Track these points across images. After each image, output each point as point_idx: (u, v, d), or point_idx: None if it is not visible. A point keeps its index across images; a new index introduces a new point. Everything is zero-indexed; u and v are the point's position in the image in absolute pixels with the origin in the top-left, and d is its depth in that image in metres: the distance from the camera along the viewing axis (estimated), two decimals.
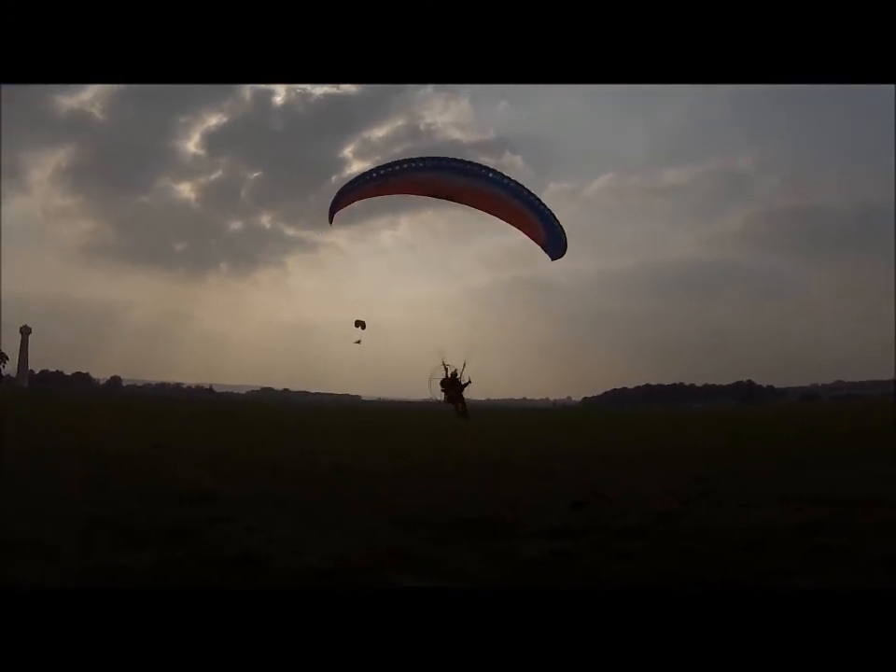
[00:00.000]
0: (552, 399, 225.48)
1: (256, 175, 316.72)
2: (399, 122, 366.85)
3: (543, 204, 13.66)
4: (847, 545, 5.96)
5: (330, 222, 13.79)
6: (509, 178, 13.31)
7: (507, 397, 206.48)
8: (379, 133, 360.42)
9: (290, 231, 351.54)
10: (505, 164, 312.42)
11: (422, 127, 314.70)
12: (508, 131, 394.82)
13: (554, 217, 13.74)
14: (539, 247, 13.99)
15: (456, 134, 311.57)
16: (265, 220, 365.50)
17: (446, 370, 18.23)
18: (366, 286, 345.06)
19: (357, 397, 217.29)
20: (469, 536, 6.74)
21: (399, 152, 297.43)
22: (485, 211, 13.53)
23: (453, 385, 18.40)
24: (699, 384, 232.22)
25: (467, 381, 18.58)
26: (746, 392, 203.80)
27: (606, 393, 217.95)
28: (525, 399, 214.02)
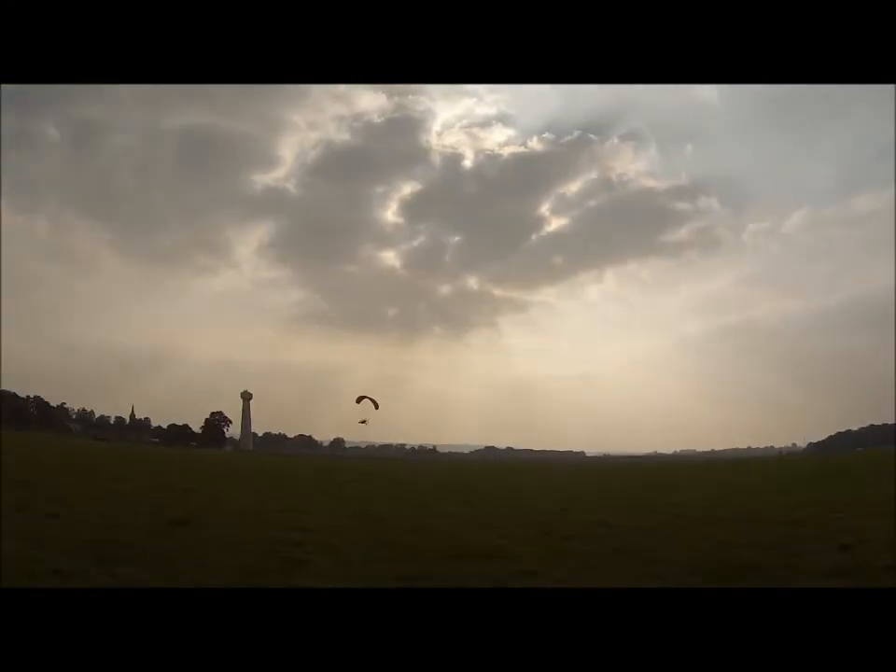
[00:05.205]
0: (777, 446, 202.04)
1: (457, 238, 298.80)
2: (592, 175, 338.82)
3: None
4: None
5: None
6: None
7: (731, 447, 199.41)
8: (573, 188, 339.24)
9: (498, 292, 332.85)
10: (701, 208, 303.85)
11: (614, 178, 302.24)
12: (699, 174, 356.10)
13: None
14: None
15: (650, 183, 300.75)
16: (472, 282, 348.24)
17: None
18: (578, 341, 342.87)
19: (581, 453, 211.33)
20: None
21: (594, 205, 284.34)
22: None
23: None
24: None
25: None
26: None
27: (831, 437, 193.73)
28: (749, 448, 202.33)
